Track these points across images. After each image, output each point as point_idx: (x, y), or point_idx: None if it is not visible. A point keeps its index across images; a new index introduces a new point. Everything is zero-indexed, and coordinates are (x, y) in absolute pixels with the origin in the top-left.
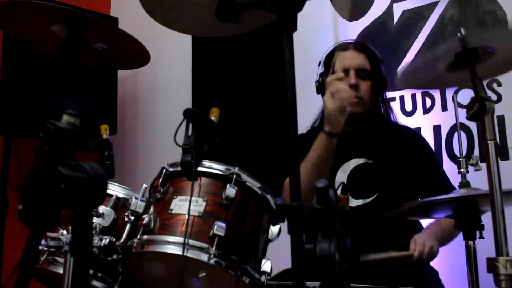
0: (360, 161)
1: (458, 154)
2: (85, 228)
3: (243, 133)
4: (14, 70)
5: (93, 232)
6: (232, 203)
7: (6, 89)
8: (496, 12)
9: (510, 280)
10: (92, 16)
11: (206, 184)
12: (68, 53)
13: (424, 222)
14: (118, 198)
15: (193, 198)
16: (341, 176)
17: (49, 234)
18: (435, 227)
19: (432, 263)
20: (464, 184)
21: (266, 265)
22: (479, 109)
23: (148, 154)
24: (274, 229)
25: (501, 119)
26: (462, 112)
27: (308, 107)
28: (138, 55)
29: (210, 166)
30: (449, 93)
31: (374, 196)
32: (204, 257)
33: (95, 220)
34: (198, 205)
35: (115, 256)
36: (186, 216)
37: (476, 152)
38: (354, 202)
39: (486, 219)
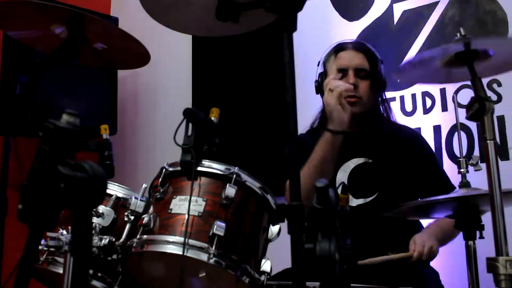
0: (360, 160)
1: (458, 154)
2: (84, 228)
3: (243, 133)
4: (14, 70)
5: (93, 232)
6: (232, 203)
7: (6, 89)
8: (496, 12)
9: (510, 280)
10: (92, 16)
11: (206, 184)
12: (68, 53)
13: (424, 222)
14: (117, 198)
15: (193, 198)
16: (342, 175)
17: (49, 234)
18: (435, 227)
19: (432, 263)
20: (464, 184)
21: (266, 265)
22: (479, 109)
23: (148, 154)
24: (274, 229)
25: (501, 119)
26: (462, 112)
27: (308, 107)
28: (138, 55)
29: (210, 166)
30: (449, 93)
31: (374, 196)
32: (204, 257)
33: (95, 220)
34: (198, 205)
35: (114, 256)
36: (186, 216)
37: (476, 152)
38: (354, 202)
39: (486, 219)
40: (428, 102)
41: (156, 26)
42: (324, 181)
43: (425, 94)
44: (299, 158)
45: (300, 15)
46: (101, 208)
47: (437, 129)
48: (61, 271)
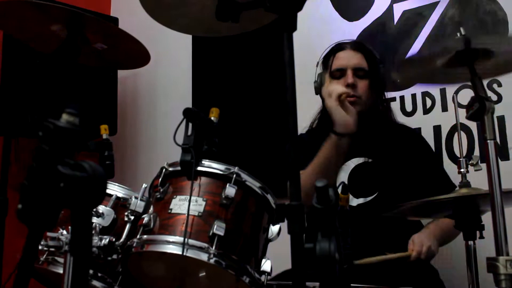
0: (360, 160)
1: (458, 155)
2: (84, 228)
3: (243, 132)
4: (14, 70)
5: (93, 232)
6: (232, 202)
7: (6, 89)
8: (496, 12)
9: (510, 280)
10: (92, 16)
11: (206, 183)
12: (68, 53)
13: (424, 222)
14: (118, 198)
15: (193, 198)
16: (342, 175)
17: (48, 234)
18: (434, 227)
19: (432, 263)
20: (464, 184)
21: (266, 265)
22: (479, 108)
23: (148, 154)
24: (274, 228)
25: (501, 119)
26: (462, 113)
27: (308, 108)
28: (138, 55)
29: (210, 166)
30: (449, 93)
31: (375, 195)
32: (204, 256)
33: (95, 220)
34: (198, 205)
35: (115, 256)
36: (186, 216)
37: (476, 153)
38: (354, 201)
39: (486, 219)
40: (428, 102)
41: (156, 26)
42: (324, 180)
43: (425, 94)
44: (299, 158)
45: (300, 15)
46: (101, 208)
47: (437, 129)
48: (61, 271)
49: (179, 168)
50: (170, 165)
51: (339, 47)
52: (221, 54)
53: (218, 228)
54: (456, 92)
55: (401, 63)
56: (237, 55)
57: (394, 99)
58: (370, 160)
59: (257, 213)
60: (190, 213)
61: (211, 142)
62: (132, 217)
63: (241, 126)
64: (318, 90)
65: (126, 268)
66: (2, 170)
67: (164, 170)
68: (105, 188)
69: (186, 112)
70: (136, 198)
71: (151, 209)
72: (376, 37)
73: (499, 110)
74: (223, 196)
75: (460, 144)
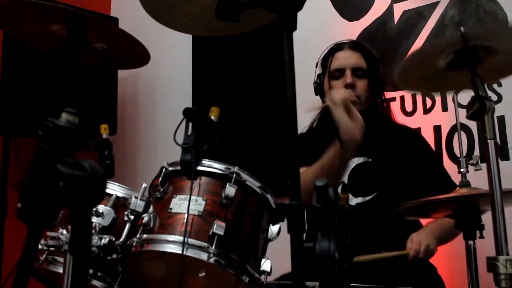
0: (360, 159)
1: (458, 155)
2: (84, 227)
3: (243, 132)
4: (14, 70)
5: (93, 231)
6: (232, 202)
7: (6, 89)
8: (497, 13)
9: (510, 279)
10: (92, 16)
11: (206, 183)
12: (68, 53)
13: (424, 222)
14: (117, 197)
15: (193, 197)
16: None
17: (48, 233)
18: (434, 226)
19: (431, 262)
20: (464, 183)
21: (265, 265)
22: (479, 108)
23: (148, 153)
24: (273, 228)
25: (501, 119)
26: (463, 112)
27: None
28: (138, 55)
29: (210, 165)
30: (449, 93)
31: (374, 194)
32: (203, 256)
33: (95, 219)
34: (198, 204)
35: (114, 255)
36: (186, 215)
37: (477, 153)
38: (353, 201)
39: (486, 218)
40: (428, 102)
41: (156, 26)
42: (323, 180)
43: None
44: (298, 157)
45: (300, 14)
46: (101, 208)
47: (437, 129)
48: (61, 270)
49: (179, 167)
50: (170, 164)
51: (337, 47)
52: (221, 53)
53: (218, 228)
54: (456, 92)
55: (403, 63)
56: (237, 55)
57: (394, 99)
58: (370, 160)
59: (257, 213)
60: (190, 212)
61: (211, 141)
62: (132, 217)
63: (241, 126)
64: (318, 90)
65: (125, 267)
66: (2, 170)
67: (164, 169)
68: (105, 187)
69: (186, 112)
70: (136, 197)
71: (151, 208)
72: (376, 37)
73: (499, 110)
74: (223, 196)
75: (460, 144)
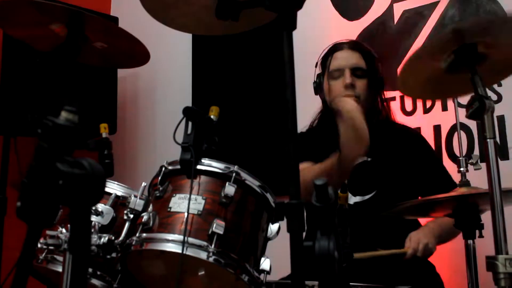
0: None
1: (458, 154)
2: (83, 225)
3: (243, 131)
4: (14, 69)
5: (92, 230)
6: (231, 201)
7: (5, 88)
8: (497, 12)
9: (510, 278)
10: (92, 15)
11: (205, 182)
12: (67, 52)
13: (423, 221)
14: (117, 196)
15: (192, 196)
16: None
17: (48, 232)
18: (433, 225)
19: (431, 261)
20: (464, 183)
21: (265, 264)
22: (479, 107)
23: (147, 152)
24: (273, 227)
25: (501, 119)
26: (462, 112)
27: (307, 107)
28: (138, 54)
29: (210, 164)
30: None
31: (373, 193)
32: (203, 255)
33: (94, 218)
34: (197, 203)
35: (114, 254)
36: (185, 214)
37: (476, 153)
38: (352, 199)
39: (485, 217)
40: (428, 102)
41: (156, 25)
42: (323, 178)
43: None
44: (298, 157)
45: (300, 14)
46: (101, 207)
47: (437, 128)
48: (60, 269)
49: (178, 166)
50: (170, 163)
51: (336, 47)
52: (221, 53)
53: (218, 227)
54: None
55: (403, 67)
56: (237, 54)
57: (394, 98)
58: (369, 159)
59: (256, 212)
60: (190, 211)
61: (211, 140)
62: (132, 216)
63: (241, 125)
64: (317, 90)
65: (125, 266)
66: (2, 169)
67: (163, 168)
68: (104, 185)
69: (186, 111)
70: (135, 196)
71: (151, 207)
72: (376, 36)
73: (498, 109)
74: (223, 195)
75: (460, 143)
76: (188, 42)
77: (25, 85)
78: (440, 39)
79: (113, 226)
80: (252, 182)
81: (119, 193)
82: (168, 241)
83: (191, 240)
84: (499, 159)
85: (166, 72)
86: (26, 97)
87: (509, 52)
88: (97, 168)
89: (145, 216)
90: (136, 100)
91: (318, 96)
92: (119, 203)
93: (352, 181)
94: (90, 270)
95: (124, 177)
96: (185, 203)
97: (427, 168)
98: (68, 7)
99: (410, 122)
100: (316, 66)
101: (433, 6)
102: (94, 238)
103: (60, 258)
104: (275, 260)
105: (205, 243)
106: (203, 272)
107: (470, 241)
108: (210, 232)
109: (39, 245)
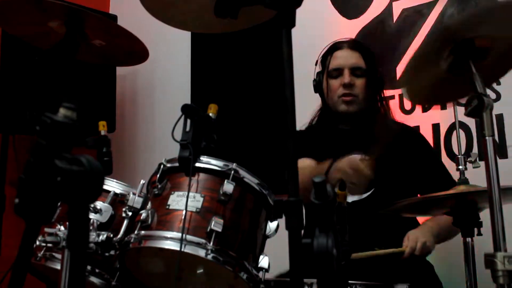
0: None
1: (457, 153)
2: (81, 222)
3: (241, 129)
4: (12, 67)
5: (91, 228)
6: (230, 199)
7: (4, 86)
8: None
9: (508, 276)
10: (91, 13)
11: (204, 180)
12: (66, 50)
13: (421, 219)
14: (115, 194)
15: (191, 194)
16: None
17: (46, 230)
18: (431, 223)
19: (429, 259)
20: (463, 181)
21: (263, 261)
22: (478, 105)
23: (146, 150)
24: (272, 225)
25: (499, 117)
26: (461, 111)
27: (307, 105)
28: (137, 52)
29: (208, 162)
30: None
31: (370, 192)
32: (201, 252)
33: (93, 216)
34: (196, 201)
35: (112, 252)
36: (184, 212)
37: (475, 151)
38: (349, 198)
39: (484, 215)
40: None
41: (155, 23)
42: (321, 176)
43: None
44: (297, 154)
45: (299, 12)
46: (99, 204)
47: (436, 127)
48: (58, 267)
49: (177, 164)
50: (168, 161)
51: (336, 46)
52: (220, 50)
53: (216, 224)
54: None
55: (404, 69)
56: (236, 52)
57: (393, 97)
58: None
59: (255, 210)
60: (188, 209)
61: (210, 138)
62: (130, 213)
63: (239, 123)
64: (317, 88)
65: (123, 264)
66: (0, 167)
67: (162, 166)
68: (102, 182)
69: (185, 108)
70: (134, 194)
71: (149, 205)
72: (375, 35)
73: (497, 108)
74: (221, 193)
75: (458, 141)
76: (187, 40)
77: (24, 83)
78: (432, 43)
79: (112, 223)
80: (251, 179)
81: (118, 191)
82: (166, 238)
83: (189, 237)
84: (497, 158)
85: (165, 70)
86: (25, 95)
87: (508, 42)
88: (95, 165)
89: (143, 214)
90: (135, 98)
91: (317, 94)
92: (118, 200)
93: None
94: (88, 267)
95: (123, 175)
96: (184, 201)
97: (426, 166)
98: (67, 4)
99: (409, 120)
100: (316, 64)
101: (432, 4)
102: (93, 236)
103: (59, 256)
104: (273, 258)
105: (203, 241)
106: (201, 270)
107: (468, 239)
108: (208, 229)
109: (37, 243)
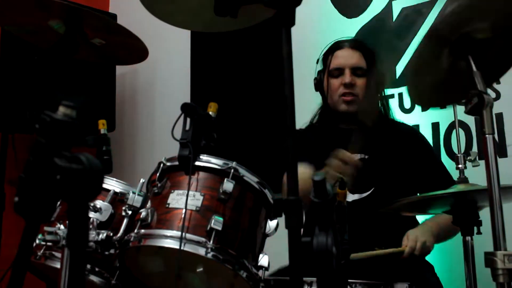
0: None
1: (456, 152)
2: (81, 220)
3: (241, 127)
4: (12, 66)
5: (91, 226)
6: (230, 197)
7: (4, 85)
8: None
9: (508, 274)
10: (90, 11)
11: (204, 178)
12: (66, 48)
13: (420, 218)
14: (115, 192)
15: (191, 193)
16: None
17: (46, 228)
18: (431, 223)
19: (429, 258)
20: (462, 179)
21: (263, 260)
22: (478, 103)
23: (146, 149)
24: (271, 223)
25: (499, 116)
26: (461, 109)
27: (307, 104)
28: (136, 51)
29: (208, 161)
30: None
31: (370, 191)
32: (201, 251)
33: (93, 214)
34: (196, 199)
35: (112, 251)
36: (184, 210)
37: (474, 150)
38: (350, 197)
39: (483, 214)
40: None
41: (155, 22)
42: (321, 174)
43: None
44: (296, 153)
45: (299, 11)
46: (99, 203)
47: (435, 126)
48: (58, 265)
49: (177, 163)
50: (168, 160)
51: (337, 45)
52: (220, 49)
53: (216, 223)
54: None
55: (407, 70)
56: (236, 51)
57: (392, 96)
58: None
59: (254, 208)
60: (188, 207)
61: (209, 137)
62: (130, 212)
63: (239, 121)
64: (318, 86)
65: (123, 262)
66: (0, 166)
67: (162, 165)
68: (102, 180)
69: (184, 107)
70: (133, 193)
71: (149, 203)
72: (374, 34)
73: (497, 107)
74: (221, 191)
75: (458, 140)
76: (187, 38)
77: (23, 82)
78: (428, 46)
79: (112, 222)
80: (251, 178)
81: (118, 190)
82: (166, 237)
83: (189, 236)
84: (497, 157)
85: (164, 69)
86: (24, 94)
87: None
88: (95, 163)
89: (143, 212)
90: (135, 96)
91: (317, 93)
92: (118, 199)
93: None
94: (88, 266)
95: (123, 174)
96: (183, 199)
97: (425, 165)
98: (67, 3)
99: (408, 119)
100: (317, 63)
101: (431, 3)
102: (93, 235)
103: (58, 255)
104: (273, 256)
105: (203, 239)
106: (201, 268)
107: (468, 238)
108: (208, 228)
109: (37, 242)
